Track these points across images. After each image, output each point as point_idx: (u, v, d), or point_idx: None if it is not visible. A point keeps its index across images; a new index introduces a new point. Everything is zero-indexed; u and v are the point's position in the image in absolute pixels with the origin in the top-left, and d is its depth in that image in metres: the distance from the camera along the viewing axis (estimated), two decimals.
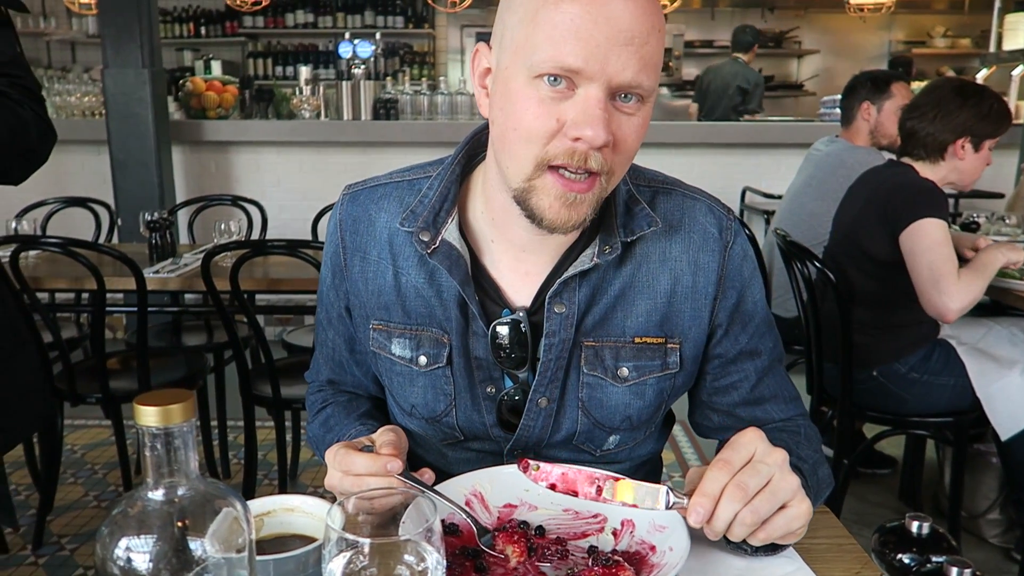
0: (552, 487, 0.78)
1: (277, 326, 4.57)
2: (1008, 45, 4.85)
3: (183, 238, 3.98)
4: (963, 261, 2.12)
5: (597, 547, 0.83)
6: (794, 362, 2.89)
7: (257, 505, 0.81)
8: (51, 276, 2.51)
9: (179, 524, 0.54)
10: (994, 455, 2.38)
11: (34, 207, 3.35)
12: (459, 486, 0.89)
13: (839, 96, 3.17)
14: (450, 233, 0.93)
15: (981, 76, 4.96)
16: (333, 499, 0.79)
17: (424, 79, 6.38)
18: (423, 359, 0.97)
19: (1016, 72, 4.70)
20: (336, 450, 0.84)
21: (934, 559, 0.76)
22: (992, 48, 5.43)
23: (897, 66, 5.32)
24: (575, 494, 0.78)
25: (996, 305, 2.47)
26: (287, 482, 2.64)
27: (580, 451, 1.01)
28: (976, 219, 3.04)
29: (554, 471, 0.78)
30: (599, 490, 0.77)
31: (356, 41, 4.77)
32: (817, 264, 2.20)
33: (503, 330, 0.93)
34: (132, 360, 2.51)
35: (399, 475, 0.81)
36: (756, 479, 0.74)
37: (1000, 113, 2.13)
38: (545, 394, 0.95)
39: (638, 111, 0.81)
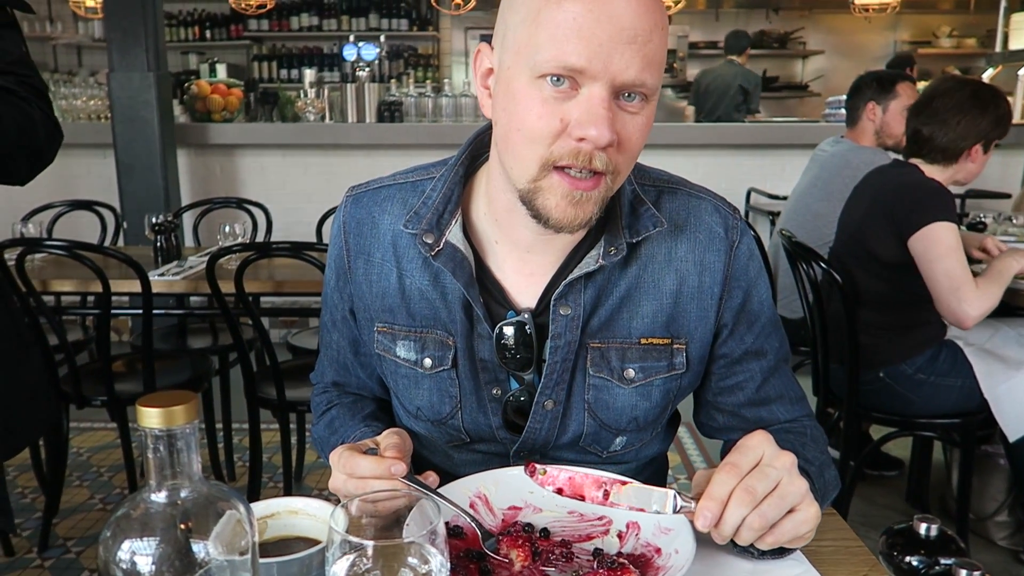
0: (559, 491, 0.78)
1: (282, 328, 4.58)
2: (1014, 45, 4.84)
3: (188, 241, 4.00)
4: (970, 260, 2.12)
5: (602, 550, 0.82)
6: (800, 363, 2.88)
7: (261, 507, 0.80)
8: (57, 279, 2.51)
9: (182, 526, 0.54)
10: (1002, 457, 2.37)
11: (40, 210, 3.36)
12: (463, 488, 0.88)
13: (844, 96, 3.16)
14: (454, 235, 0.92)
15: (987, 76, 4.95)
16: (337, 501, 0.78)
17: (428, 81, 6.37)
18: (428, 361, 0.97)
19: (1022, 71, 4.69)
20: (340, 452, 0.84)
21: (943, 561, 0.76)
22: (998, 48, 5.42)
23: (898, 64, 5.29)
24: (582, 499, 0.77)
25: (1003, 306, 2.45)
26: (291, 484, 2.63)
27: (586, 452, 1.00)
28: (983, 219, 3.03)
29: (560, 476, 0.78)
30: (606, 494, 0.77)
31: (360, 44, 4.78)
32: (823, 265, 2.19)
33: (508, 332, 0.93)
34: (137, 362, 2.51)
35: (403, 478, 0.80)
36: (764, 483, 0.73)
37: (1010, 115, 2.16)
38: (551, 396, 0.95)
39: (642, 110, 0.81)
